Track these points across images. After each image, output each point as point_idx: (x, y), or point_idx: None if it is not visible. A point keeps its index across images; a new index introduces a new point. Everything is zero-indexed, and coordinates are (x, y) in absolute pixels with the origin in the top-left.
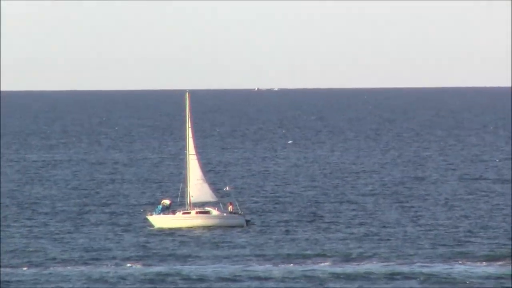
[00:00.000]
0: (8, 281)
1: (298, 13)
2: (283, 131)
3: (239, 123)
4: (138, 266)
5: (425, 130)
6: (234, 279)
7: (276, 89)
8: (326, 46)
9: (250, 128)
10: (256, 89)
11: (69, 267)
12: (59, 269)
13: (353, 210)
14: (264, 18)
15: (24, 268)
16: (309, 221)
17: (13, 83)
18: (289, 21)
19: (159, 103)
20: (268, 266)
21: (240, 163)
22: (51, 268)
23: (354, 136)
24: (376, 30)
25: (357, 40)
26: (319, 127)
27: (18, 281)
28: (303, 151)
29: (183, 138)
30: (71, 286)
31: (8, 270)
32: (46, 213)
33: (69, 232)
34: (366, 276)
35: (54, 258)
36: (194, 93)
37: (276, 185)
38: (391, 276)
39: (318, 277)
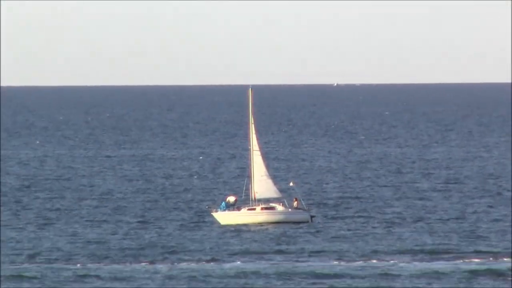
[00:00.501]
0: (85, 275)
1: (379, 7)
2: (356, 126)
3: (313, 117)
4: (212, 263)
5: None
6: (318, 275)
7: (358, 84)
8: (408, 40)
9: (322, 124)
10: (335, 84)
11: (143, 263)
12: (137, 266)
13: (419, 205)
14: (343, 14)
15: (102, 264)
16: (373, 217)
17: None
18: (367, 16)
19: (234, 97)
20: (341, 262)
21: (307, 158)
22: (127, 264)
23: (425, 130)
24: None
25: (435, 34)
26: (395, 122)
27: (96, 276)
28: (372, 147)
29: (249, 133)
30: (154, 285)
31: (92, 265)
32: (116, 209)
33: (138, 228)
34: (448, 273)
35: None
36: (270, 88)
37: (342, 180)
38: (422, 273)
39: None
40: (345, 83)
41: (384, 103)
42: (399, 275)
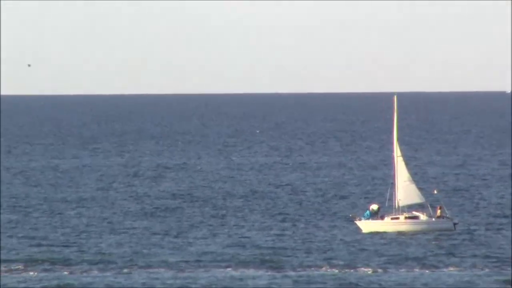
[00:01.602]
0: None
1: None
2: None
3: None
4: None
5: None
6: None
7: None
8: None
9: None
10: (510, 91)
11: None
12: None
13: None
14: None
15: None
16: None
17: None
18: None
19: (368, 105)
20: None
21: (448, 165)
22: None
23: None
24: None
25: None
26: None
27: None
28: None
29: (391, 142)
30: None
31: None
32: (280, 214)
33: (280, 234)
34: None
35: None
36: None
37: (483, 187)
38: None
39: None
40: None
41: None
42: None
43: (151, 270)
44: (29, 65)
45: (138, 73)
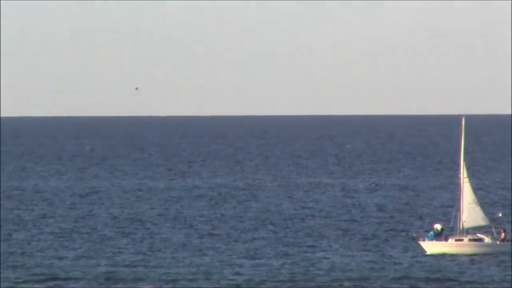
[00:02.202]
0: None
1: None
2: None
3: None
4: None
5: None
6: None
7: None
8: None
9: None
10: None
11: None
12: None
13: None
14: None
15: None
16: None
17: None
18: None
19: (435, 127)
20: None
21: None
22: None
23: None
24: None
25: None
26: None
27: None
28: None
29: (457, 164)
30: None
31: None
32: (344, 234)
33: (338, 254)
34: None
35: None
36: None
37: None
38: None
39: None
40: None
41: None
42: None
43: None
44: (136, 88)
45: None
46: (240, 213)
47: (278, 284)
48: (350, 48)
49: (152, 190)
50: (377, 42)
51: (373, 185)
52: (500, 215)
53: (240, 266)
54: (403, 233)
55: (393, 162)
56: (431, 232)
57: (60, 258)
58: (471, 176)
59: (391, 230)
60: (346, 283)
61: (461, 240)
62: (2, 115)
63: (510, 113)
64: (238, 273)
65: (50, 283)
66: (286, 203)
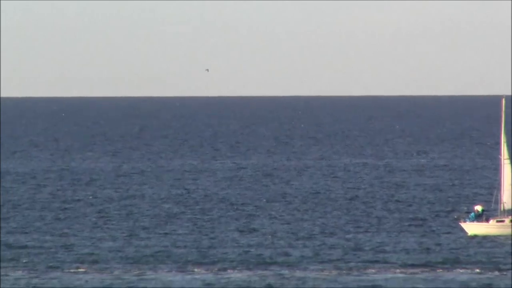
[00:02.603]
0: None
1: None
2: None
3: None
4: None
5: None
6: None
7: None
8: None
9: None
10: None
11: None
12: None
13: None
14: None
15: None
16: None
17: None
18: None
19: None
20: None
21: None
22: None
23: None
24: None
25: None
26: None
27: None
28: None
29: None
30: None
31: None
32: (358, 210)
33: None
34: None
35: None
36: None
37: None
38: None
39: None
40: None
41: None
42: None
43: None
44: (207, 70)
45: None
46: (287, 193)
47: (324, 265)
48: (411, 31)
49: (207, 171)
50: (431, 25)
51: (418, 165)
52: None
53: (289, 245)
54: (445, 214)
55: (439, 142)
56: (472, 214)
57: (112, 237)
58: None
59: (434, 210)
60: (391, 264)
61: (502, 221)
62: (77, 95)
63: None
64: (286, 254)
65: (95, 266)
66: (333, 183)
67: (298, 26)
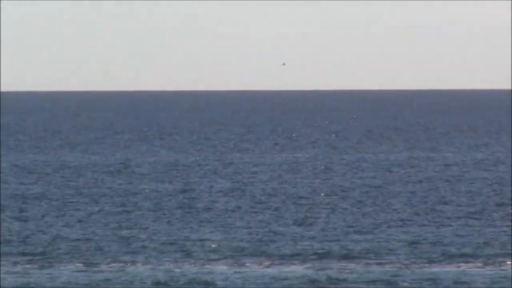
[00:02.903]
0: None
1: None
2: None
3: None
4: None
5: None
6: None
7: None
8: None
9: None
10: None
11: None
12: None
13: None
14: None
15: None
16: None
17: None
18: None
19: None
20: None
21: None
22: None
23: None
24: None
25: None
26: None
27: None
28: None
29: None
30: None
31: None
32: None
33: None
34: None
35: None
36: None
37: None
38: None
39: None
40: None
41: None
42: None
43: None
44: (283, 64)
45: None
46: (346, 187)
47: (384, 258)
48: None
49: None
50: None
51: (477, 159)
52: None
53: (348, 239)
54: (497, 208)
55: (487, 135)
56: None
57: (130, 228)
58: None
59: (495, 203)
60: (444, 257)
61: None
62: (90, 89)
63: None
64: (345, 247)
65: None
66: (391, 176)
67: None
